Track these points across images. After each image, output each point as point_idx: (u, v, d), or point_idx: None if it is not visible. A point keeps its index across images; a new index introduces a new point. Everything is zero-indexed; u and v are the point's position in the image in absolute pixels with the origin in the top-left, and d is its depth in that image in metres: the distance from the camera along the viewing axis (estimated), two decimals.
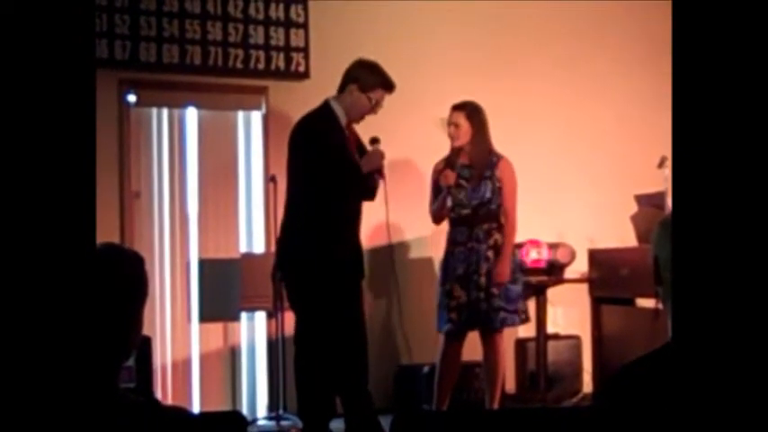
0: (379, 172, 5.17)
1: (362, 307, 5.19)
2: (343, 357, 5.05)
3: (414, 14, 6.95)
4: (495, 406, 5.53)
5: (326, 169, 5.00)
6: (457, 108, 5.53)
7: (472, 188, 5.49)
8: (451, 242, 5.54)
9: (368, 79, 5.14)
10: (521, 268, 5.81)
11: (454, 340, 5.51)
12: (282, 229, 5.18)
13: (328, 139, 5.04)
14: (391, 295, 5.69)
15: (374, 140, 5.22)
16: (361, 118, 5.19)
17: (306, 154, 5.03)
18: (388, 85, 5.18)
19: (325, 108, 5.15)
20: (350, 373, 5.09)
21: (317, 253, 4.98)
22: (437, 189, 5.57)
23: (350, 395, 5.13)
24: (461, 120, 5.50)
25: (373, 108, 5.16)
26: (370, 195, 5.19)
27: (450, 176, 5.46)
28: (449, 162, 5.50)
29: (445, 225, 5.64)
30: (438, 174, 5.54)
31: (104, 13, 6.15)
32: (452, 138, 5.52)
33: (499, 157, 5.55)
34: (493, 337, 5.50)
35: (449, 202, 5.51)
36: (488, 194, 5.49)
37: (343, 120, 5.13)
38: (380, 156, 5.16)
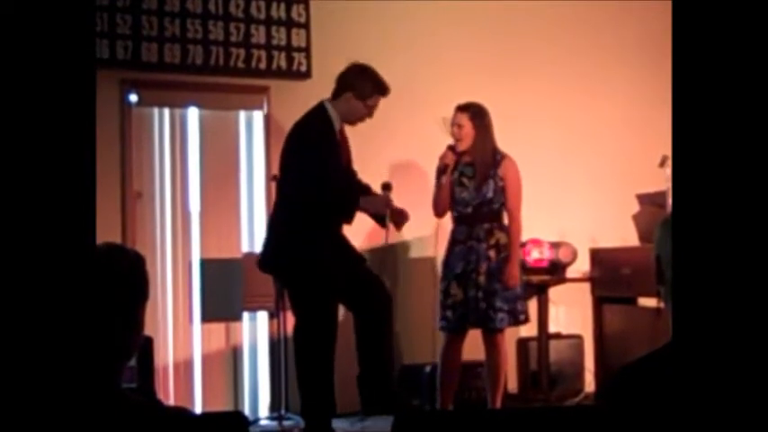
0: (378, 218, 5.23)
1: (369, 271, 5.24)
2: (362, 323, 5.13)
3: (415, 14, 6.95)
4: (498, 406, 5.53)
5: (314, 177, 5.00)
6: (461, 109, 5.53)
7: (475, 187, 5.49)
8: (452, 241, 5.54)
9: (364, 87, 5.17)
10: (523, 267, 5.81)
11: (454, 339, 5.52)
12: (268, 227, 5.21)
13: (320, 147, 5.05)
14: (393, 295, 5.68)
15: (386, 186, 5.28)
16: (356, 123, 5.22)
17: (297, 157, 5.06)
18: (384, 90, 5.22)
19: (321, 111, 5.17)
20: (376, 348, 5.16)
21: (297, 253, 5.03)
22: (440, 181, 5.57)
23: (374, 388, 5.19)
24: (465, 121, 5.49)
25: (369, 113, 5.20)
26: (346, 217, 5.15)
27: (449, 156, 5.46)
28: (444, 173, 5.49)
29: (447, 224, 5.63)
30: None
31: (106, 12, 6.14)
32: (455, 138, 5.50)
33: (503, 156, 5.55)
34: (494, 338, 5.50)
35: (450, 182, 5.48)
36: (490, 194, 5.48)
37: (337, 124, 5.17)
38: (386, 203, 5.21)
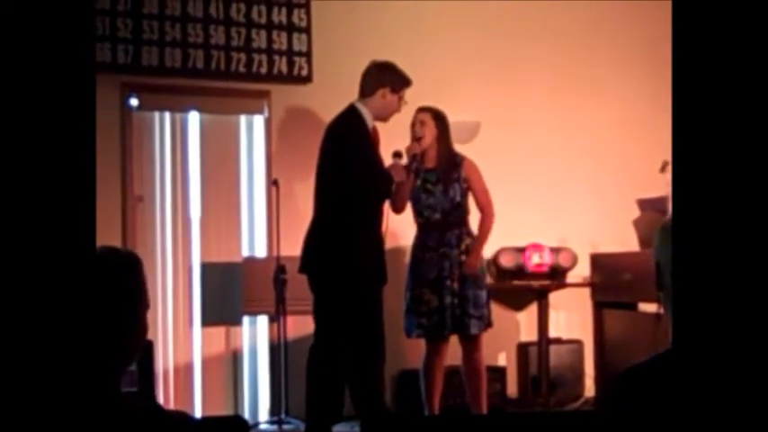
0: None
1: (381, 314, 5.23)
2: (358, 364, 5.12)
3: (416, 18, 6.95)
4: (484, 410, 5.53)
5: (355, 172, 5.08)
6: (423, 109, 5.57)
7: (442, 191, 5.50)
8: (421, 248, 5.53)
9: (396, 80, 5.31)
10: (525, 271, 5.81)
11: (436, 344, 5.53)
12: (309, 231, 5.23)
13: (357, 143, 5.13)
14: (391, 300, 5.68)
15: (397, 154, 5.35)
16: (390, 117, 5.33)
17: (334, 157, 5.12)
18: (409, 82, 5.37)
19: (352, 112, 5.23)
20: (366, 381, 5.15)
21: (338, 257, 5.07)
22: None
23: (367, 408, 5.17)
24: (428, 119, 5.53)
25: (399, 107, 5.33)
26: (388, 195, 5.32)
27: (416, 146, 5.44)
28: (410, 165, 5.44)
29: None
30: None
31: (107, 16, 6.15)
32: (416, 136, 5.49)
33: (462, 158, 5.58)
34: (472, 343, 5.51)
35: (412, 184, 5.46)
36: (458, 198, 5.50)
37: (369, 123, 5.25)
38: (400, 170, 5.30)
